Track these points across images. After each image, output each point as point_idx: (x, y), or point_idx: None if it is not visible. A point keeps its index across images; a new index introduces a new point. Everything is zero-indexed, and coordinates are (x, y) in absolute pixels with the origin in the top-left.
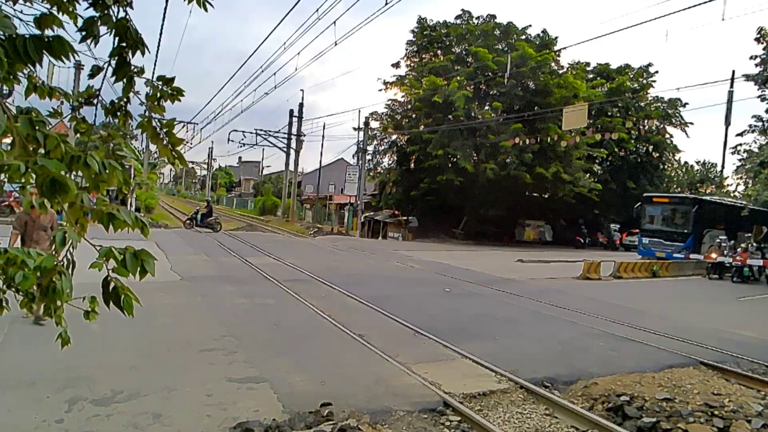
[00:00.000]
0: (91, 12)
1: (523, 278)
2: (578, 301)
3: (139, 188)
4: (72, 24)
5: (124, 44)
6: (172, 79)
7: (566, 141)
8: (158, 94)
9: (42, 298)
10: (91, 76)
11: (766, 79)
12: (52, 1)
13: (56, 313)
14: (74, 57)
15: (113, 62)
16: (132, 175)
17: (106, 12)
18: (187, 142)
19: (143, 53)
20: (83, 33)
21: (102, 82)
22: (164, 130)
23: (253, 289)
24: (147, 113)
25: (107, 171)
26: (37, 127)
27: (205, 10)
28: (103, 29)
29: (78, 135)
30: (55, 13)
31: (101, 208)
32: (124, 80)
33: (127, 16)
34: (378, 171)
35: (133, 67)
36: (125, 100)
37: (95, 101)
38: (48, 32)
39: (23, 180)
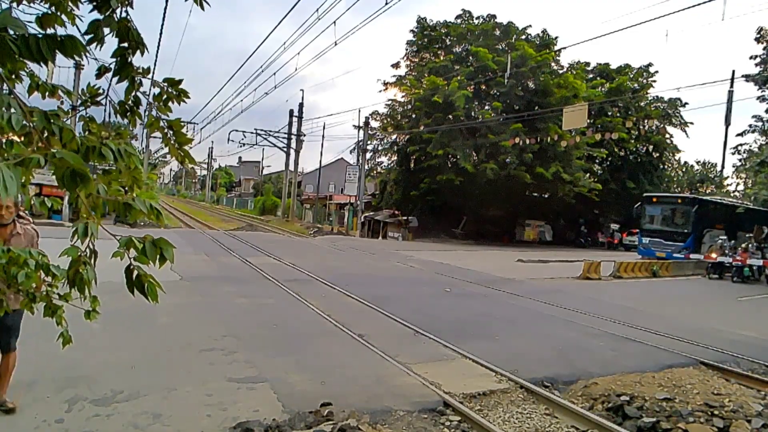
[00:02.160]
0: (95, 15)
1: (523, 278)
2: (578, 301)
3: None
4: (71, 24)
5: (125, 45)
6: (180, 81)
7: (566, 141)
8: (165, 95)
9: (47, 297)
10: (98, 76)
11: (766, 79)
12: (52, 1)
13: (57, 313)
14: (86, 55)
15: (115, 63)
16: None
17: (109, 14)
18: (193, 139)
19: (142, 53)
20: (89, 36)
21: (110, 83)
22: (172, 130)
23: (253, 289)
24: (156, 113)
25: (124, 159)
26: (51, 120)
27: (202, 8)
28: (104, 30)
29: (87, 134)
30: (55, 12)
31: (117, 198)
32: (127, 81)
33: (128, 17)
34: (378, 171)
35: (138, 68)
36: (132, 100)
37: (105, 101)
38: (58, 31)
39: (25, 179)
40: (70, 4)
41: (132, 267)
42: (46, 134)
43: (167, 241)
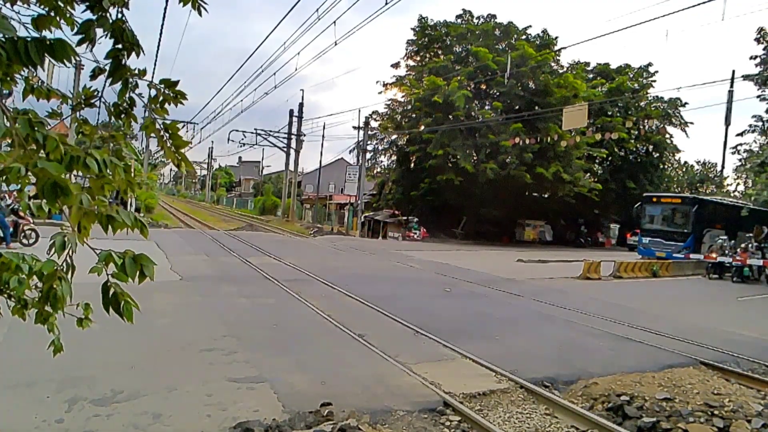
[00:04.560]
0: (88, 14)
1: (523, 278)
2: (578, 301)
3: (139, 188)
4: (68, 26)
5: (119, 46)
6: (176, 83)
7: (566, 141)
8: (161, 97)
9: (39, 304)
10: (93, 77)
11: (766, 79)
12: (49, 4)
13: (48, 320)
14: (75, 59)
15: (109, 65)
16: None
17: (102, 14)
18: (190, 143)
19: (138, 55)
20: (81, 36)
21: (105, 84)
22: (168, 133)
23: (253, 289)
24: (151, 115)
25: (108, 170)
26: (36, 128)
27: (200, 14)
28: (99, 31)
29: (80, 136)
30: (52, 16)
31: (100, 209)
32: (121, 83)
33: (123, 18)
34: (378, 171)
35: (135, 69)
36: (128, 102)
37: (98, 103)
38: (49, 34)
39: (20, 182)
40: (68, 8)
41: (109, 284)
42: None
43: (148, 258)
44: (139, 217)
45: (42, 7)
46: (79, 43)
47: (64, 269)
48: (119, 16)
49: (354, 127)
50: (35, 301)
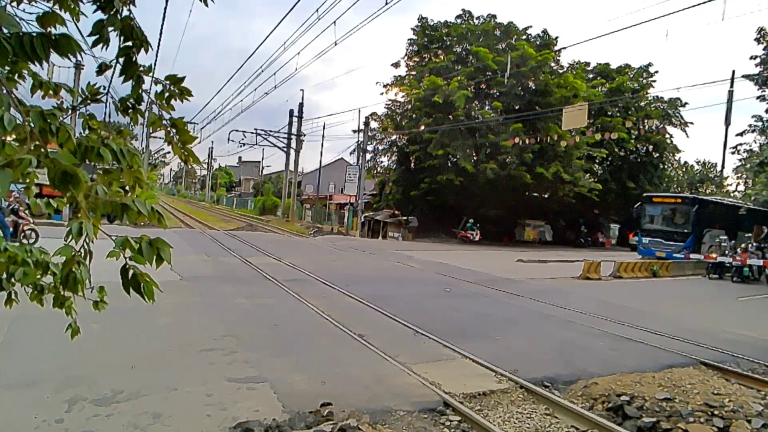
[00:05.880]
0: (99, 15)
1: (523, 278)
2: (578, 301)
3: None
4: (73, 23)
5: (130, 44)
6: (182, 79)
7: (566, 141)
8: (167, 93)
9: (56, 289)
10: (99, 73)
11: (766, 79)
12: (56, 0)
13: (65, 304)
14: (81, 54)
15: (120, 62)
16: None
17: (113, 14)
18: (197, 138)
19: (147, 51)
20: (95, 37)
21: (110, 81)
22: (174, 129)
23: (253, 289)
24: (159, 112)
25: (127, 160)
26: (48, 120)
27: (206, 5)
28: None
29: (87, 131)
30: (58, 11)
31: (115, 199)
32: (132, 80)
33: (131, 15)
34: (378, 170)
35: (140, 66)
36: (135, 98)
37: (105, 99)
38: (53, 30)
39: (28, 180)
40: (74, 5)
41: (128, 267)
42: (42, 134)
43: (164, 241)
44: (156, 207)
45: (47, 2)
46: (95, 44)
47: (82, 255)
48: (127, 13)
49: (354, 131)
50: (50, 286)
